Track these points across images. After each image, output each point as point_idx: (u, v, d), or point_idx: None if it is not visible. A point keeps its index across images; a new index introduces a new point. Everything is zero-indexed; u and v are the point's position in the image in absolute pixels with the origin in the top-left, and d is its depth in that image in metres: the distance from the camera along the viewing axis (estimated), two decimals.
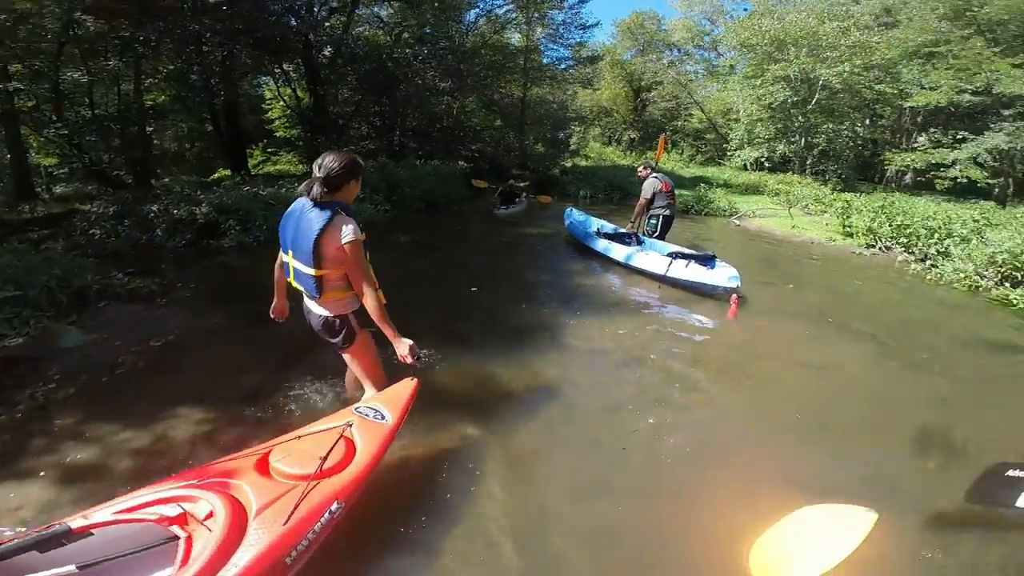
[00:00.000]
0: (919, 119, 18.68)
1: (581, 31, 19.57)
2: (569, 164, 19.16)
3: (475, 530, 2.13)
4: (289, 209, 2.20)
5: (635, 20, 30.27)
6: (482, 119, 18.21)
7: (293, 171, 15.54)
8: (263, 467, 1.84)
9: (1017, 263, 6.34)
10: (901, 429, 3.05)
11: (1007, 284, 6.31)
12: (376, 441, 2.01)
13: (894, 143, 19.78)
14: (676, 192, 6.97)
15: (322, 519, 1.69)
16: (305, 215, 2.09)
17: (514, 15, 18.08)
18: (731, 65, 24.04)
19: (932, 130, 17.21)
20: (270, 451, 1.90)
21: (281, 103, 16.09)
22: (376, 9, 16.19)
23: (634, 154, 25.59)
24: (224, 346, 3.84)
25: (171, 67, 11.73)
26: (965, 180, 15.24)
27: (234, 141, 14.05)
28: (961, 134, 15.68)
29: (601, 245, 6.70)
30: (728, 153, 22.23)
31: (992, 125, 14.83)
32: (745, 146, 20.32)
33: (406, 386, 2.33)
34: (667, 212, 6.53)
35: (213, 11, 10.35)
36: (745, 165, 20.42)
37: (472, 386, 3.30)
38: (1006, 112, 14.75)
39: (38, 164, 14.06)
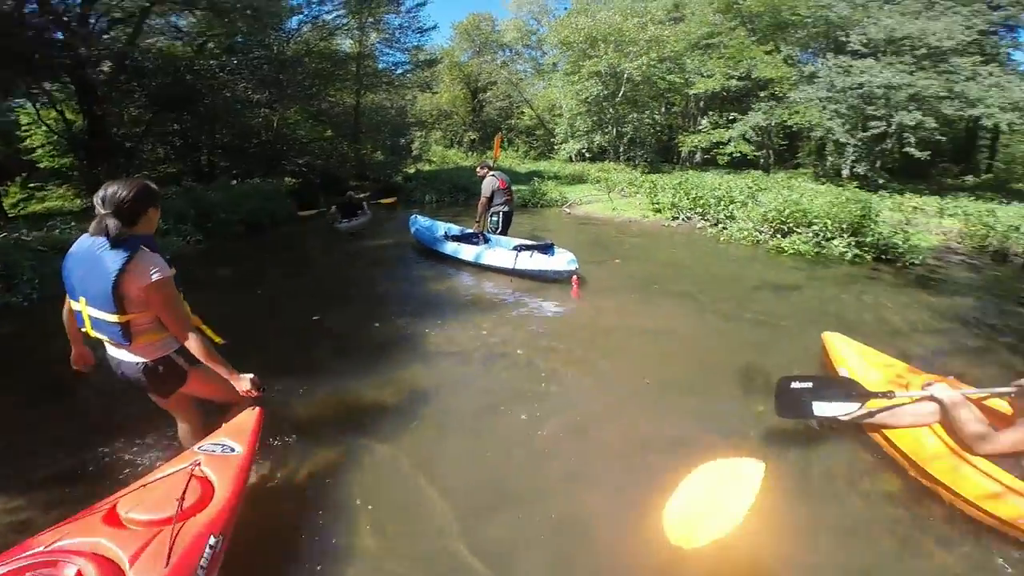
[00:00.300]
0: (701, 104, 21.73)
1: (419, 35, 19.45)
2: (412, 170, 19.01)
3: (373, 558, 2.08)
4: (72, 250, 1.89)
5: (471, 22, 30.90)
6: (309, 130, 17.03)
7: (69, 207, 12.92)
8: (114, 520, 1.70)
9: (782, 218, 7.96)
10: (730, 373, 3.56)
11: (778, 235, 7.90)
12: (232, 473, 1.94)
13: (684, 127, 22.88)
14: (513, 188, 7.41)
15: (204, 555, 1.64)
16: (97, 255, 1.79)
17: (344, 21, 17.17)
18: (554, 63, 25.50)
19: (711, 113, 20.27)
20: (115, 504, 1.75)
21: (44, 128, 13.16)
22: (174, 18, 13.90)
23: (475, 155, 26.26)
24: (10, 427, 3.12)
25: None
26: (739, 154, 18.38)
27: None
28: (732, 115, 18.78)
29: (450, 248, 6.84)
30: (555, 147, 24.02)
31: (753, 106, 17.95)
32: (569, 139, 22.18)
33: (249, 416, 2.22)
34: (506, 208, 6.93)
35: None
36: (570, 157, 22.23)
37: (337, 412, 3.16)
38: (762, 94, 17.99)
39: None
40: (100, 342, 2.00)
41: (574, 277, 5.45)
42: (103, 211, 1.80)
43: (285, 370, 3.57)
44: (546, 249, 5.95)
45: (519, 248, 6.02)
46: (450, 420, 3.07)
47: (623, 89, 19.86)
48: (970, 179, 18.69)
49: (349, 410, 3.19)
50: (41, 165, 14.60)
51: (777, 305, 5.16)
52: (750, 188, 9.89)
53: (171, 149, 13.93)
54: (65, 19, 10.34)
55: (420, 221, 8.04)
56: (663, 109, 23.02)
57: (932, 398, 2.51)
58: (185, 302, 1.99)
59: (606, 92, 19.97)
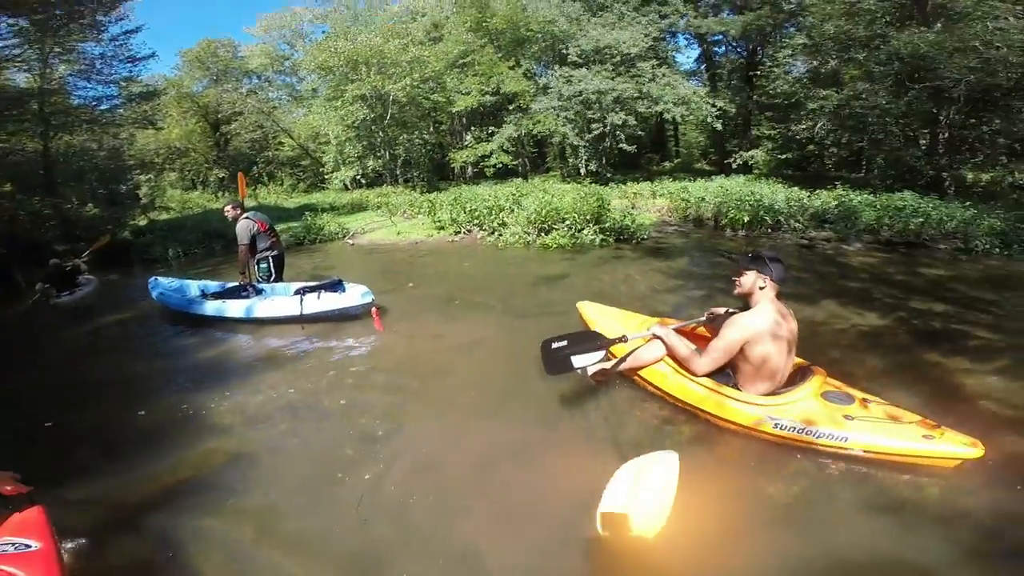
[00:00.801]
0: (464, 121, 23.07)
1: (130, 64, 16.11)
2: (144, 221, 15.82)
3: None
4: None
5: (206, 48, 26.99)
6: None
7: None
8: None
9: (542, 218, 9.01)
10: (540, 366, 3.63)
11: (543, 234, 8.89)
12: (41, 569, 1.78)
13: (453, 144, 24.10)
14: (283, 226, 6.67)
15: None
16: None
17: (19, 51, 13.33)
18: (313, 89, 24.33)
19: (474, 129, 21.72)
20: None
21: None
22: None
23: (226, 194, 23.29)
24: None
25: None
26: (502, 165, 20.08)
27: None
28: (491, 129, 20.46)
29: (211, 308, 5.82)
30: (326, 176, 22.88)
31: (506, 119, 19.83)
32: (340, 167, 21.30)
33: (32, 513, 2.03)
34: (275, 252, 6.16)
35: None
36: (345, 185, 21.43)
37: (135, 504, 2.60)
38: (511, 107, 19.95)
39: None
40: None
41: (373, 309, 5.19)
42: None
43: (45, 483, 2.53)
44: (335, 286, 5.50)
45: (303, 291, 5.41)
46: (279, 492, 2.64)
47: (390, 111, 19.91)
48: (667, 165, 24.05)
49: (147, 501, 2.63)
50: None
51: (554, 294, 5.78)
52: (514, 195, 10.90)
53: None
54: None
55: (163, 283, 6.62)
56: (432, 128, 23.74)
57: (654, 336, 3.15)
58: None
59: (373, 115, 19.75)
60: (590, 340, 3.32)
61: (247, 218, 5.91)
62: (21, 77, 14.84)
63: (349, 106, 19.42)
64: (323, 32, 25.94)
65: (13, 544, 1.88)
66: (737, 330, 2.77)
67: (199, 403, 3.76)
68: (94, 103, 16.16)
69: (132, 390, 4.30)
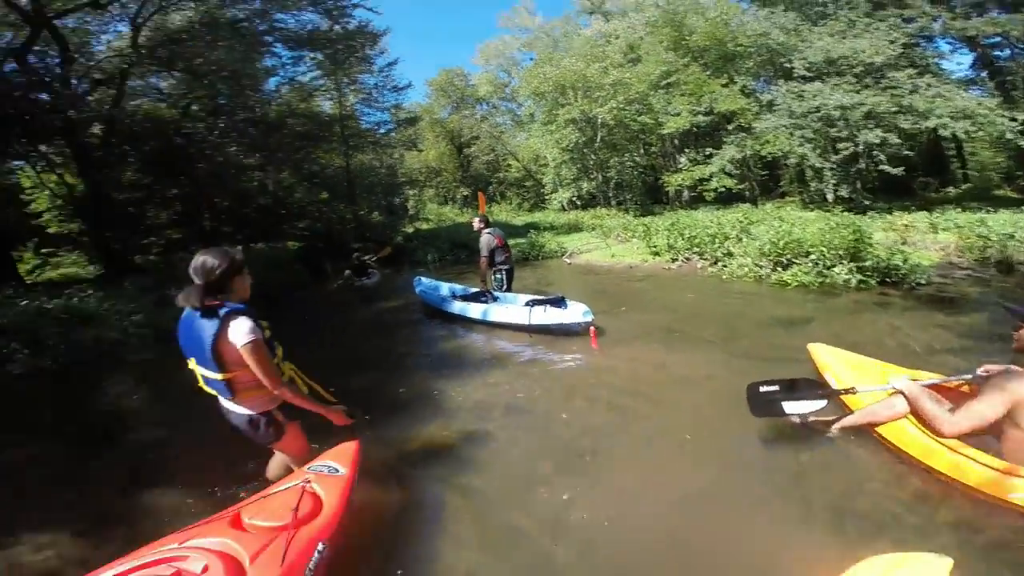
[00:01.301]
0: (676, 142, 22.13)
1: (395, 93, 19.89)
2: (411, 229, 19.31)
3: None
4: (182, 317, 2.17)
5: (444, 78, 31.67)
6: (305, 193, 17.21)
7: (84, 274, 13.07)
8: (237, 524, 1.98)
9: (778, 250, 8.00)
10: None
11: (779, 268, 7.89)
12: (338, 490, 2.24)
13: (666, 167, 23.25)
14: (511, 242, 7.54)
15: (313, 559, 1.88)
16: (196, 323, 2.07)
17: (321, 82, 17.69)
18: (531, 114, 26.12)
19: (688, 150, 20.58)
20: (239, 511, 2.04)
21: (46, 192, 13.31)
22: (154, 80, 14.34)
23: (470, 211, 26.75)
24: (60, 474, 3.54)
25: None
26: (724, 189, 18.53)
27: None
28: (708, 150, 19.15)
29: (457, 307, 6.88)
30: (546, 197, 24.42)
31: (725, 140, 18.43)
32: (558, 188, 22.55)
33: (349, 445, 2.59)
34: (507, 265, 6.98)
35: None
36: (562, 206, 22.58)
37: (396, 458, 3.32)
38: (730, 126, 18.50)
39: None
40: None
41: (591, 328, 5.45)
42: (197, 281, 2.06)
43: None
44: (558, 302, 5.97)
45: (532, 303, 6.03)
46: (488, 484, 2.98)
47: (600, 134, 20.33)
48: (951, 191, 19.17)
49: (399, 457, 3.32)
50: (50, 230, 14.55)
51: (790, 338, 5.16)
52: (741, 222, 10.01)
53: (174, 214, 14.07)
54: (47, 80, 10.73)
55: (424, 282, 8.14)
56: (642, 150, 23.49)
57: (896, 390, 2.72)
58: (280, 354, 2.29)
59: (584, 138, 20.37)
60: (808, 387, 3.06)
61: (489, 233, 6.81)
62: (327, 105, 19.35)
63: (562, 130, 20.34)
64: (531, 59, 27.94)
65: (328, 467, 2.40)
66: (1006, 390, 2.28)
67: (440, 387, 4.51)
68: (375, 127, 20.26)
69: (394, 366, 5.39)
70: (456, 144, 32.17)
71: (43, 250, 14.96)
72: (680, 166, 20.95)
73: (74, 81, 11.38)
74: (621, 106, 19.29)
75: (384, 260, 11.80)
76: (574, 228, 17.23)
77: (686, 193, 21.98)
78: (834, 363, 3.66)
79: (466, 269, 11.76)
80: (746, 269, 8.34)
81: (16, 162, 13.19)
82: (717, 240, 9.44)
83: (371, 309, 8.72)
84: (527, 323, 5.83)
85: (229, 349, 2.04)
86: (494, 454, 3.32)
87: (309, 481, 2.23)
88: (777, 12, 17.40)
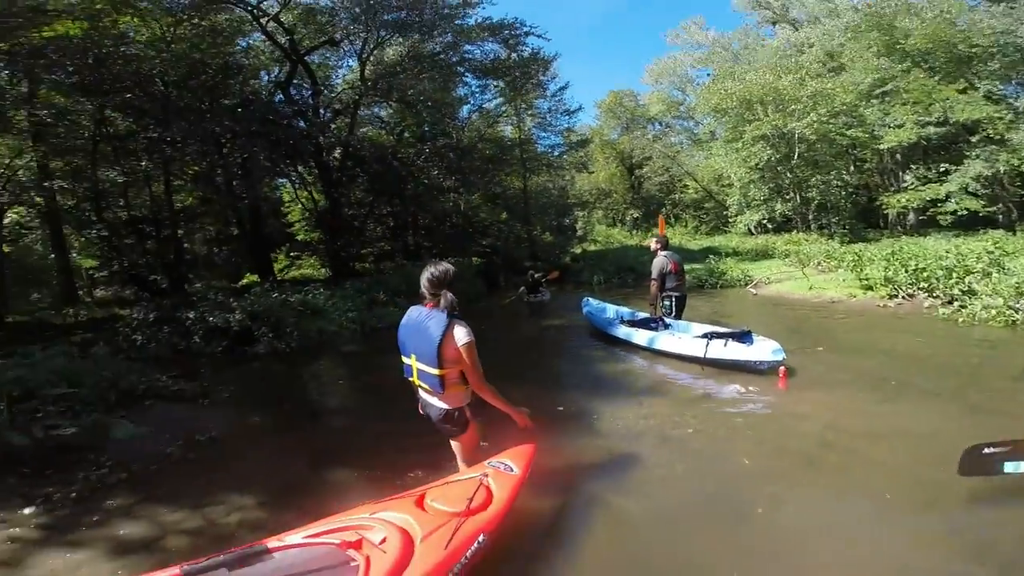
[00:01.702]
0: (898, 158, 18.85)
1: (567, 117, 20.66)
2: (579, 250, 19.72)
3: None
4: (405, 318, 2.61)
5: (613, 99, 32.02)
6: (488, 213, 18.72)
7: (316, 275, 15.95)
8: (420, 505, 2.26)
9: None
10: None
11: None
12: (508, 488, 2.43)
13: (884, 186, 19.99)
14: (686, 267, 7.11)
15: (472, 548, 2.06)
16: (424, 323, 2.46)
17: (503, 108, 19.18)
18: (711, 131, 24.90)
19: (915, 167, 17.29)
20: (424, 493, 2.33)
21: (299, 206, 16.66)
22: (376, 110, 17.30)
23: (639, 233, 26.28)
24: (266, 442, 4.22)
25: (196, 168, 12.45)
26: (966, 212, 15.11)
27: (259, 245, 14.64)
28: (943, 167, 15.83)
29: (623, 331, 6.72)
30: (730, 220, 22.60)
31: (967, 153, 15.07)
32: (745, 210, 20.71)
33: (526, 448, 2.81)
34: (678, 292, 6.54)
35: (229, 112, 11.39)
36: (749, 229, 20.74)
37: (563, 468, 3.37)
38: (974, 138, 15.09)
39: (79, 266, 14.81)
40: (409, 389, 2.74)
41: (782, 368, 4.87)
42: (429, 289, 2.48)
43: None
44: (743, 337, 5.36)
45: (710, 335, 5.48)
46: (641, 521, 2.80)
47: (797, 150, 18.30)
48: None
49: (558, 469, 3.31)
50: (299, 237, 18.59)
51: None
52: (991, 253, 8.03)
53: (386, 229, 16.53)
54: (303, 109, 13.41)
55: (592, 303, 8.18)
56: (852, 167, 20.43)
57: None
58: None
59: (778, 156, 18.55)
60: None
61: (664, 255, 6.48)
62: (508, 129, 20.93)
63: (750, 147, 18.75)
64: (707, 75, 26.10)
65: (505, 464, 2.61)
66: None
67: (599, 409, 4.41)
68: (550, 150, 21.29)
69: (554, 382, 5.53)
70: (627, 165, 32.01)
71: (292, 253, 19.13)
72: (904, 185, 17.69)
73: (321, 111, 14.29)
74: (824, 119, 17.19)
75: (552, 282, 12.27)
76: (762, 254, 15.69)
77: (912, 216, 18.44)
78: None
79: (632, 293, 11.56)
80: (994, 312, 6.63)
81: (280, 180, 16.99)
82: (955, 274, 7.69)
83: (538, 324, 9.13)
84: (702, 356, 5.36)
85: (451, 348, 2.38)
86: (652, 485, 3.17)
87: (487, 475, 2.47)
88: (1019, 6, 13.99)
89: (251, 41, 13.83)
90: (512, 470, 2.57)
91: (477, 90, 18.17)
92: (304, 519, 2.24)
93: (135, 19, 9.29)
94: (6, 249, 12.56)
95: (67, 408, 4.24)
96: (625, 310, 7.75)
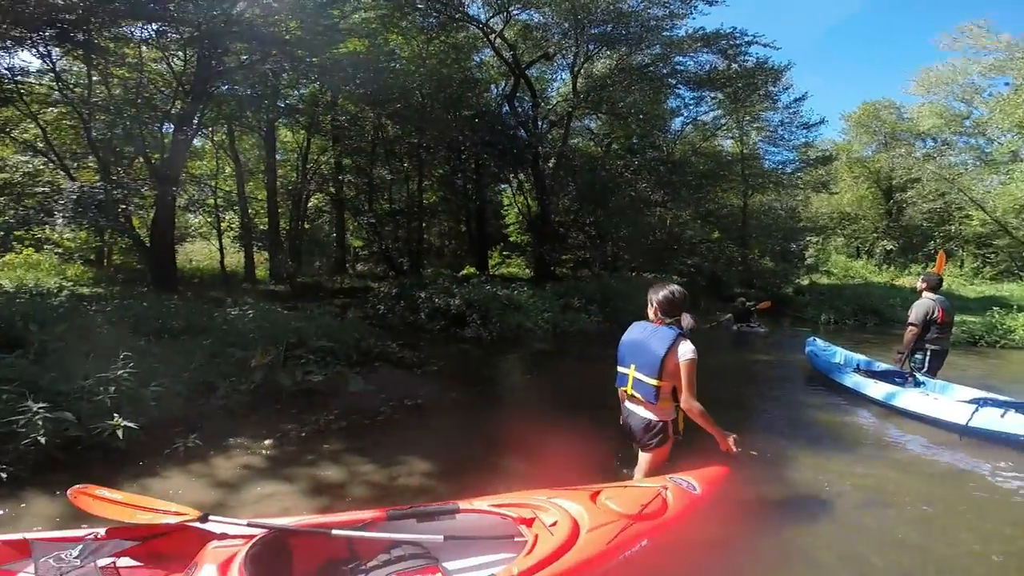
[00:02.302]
0: None
1: (804, 130, 18.42)
2: (805, 281, 17.17)
3: None
4: (629, 332, 2.77)
5: (867, 111, 27.22)
6: (697, 231, 17.76)
7: (520, 274, 17.08)
8: (594, 499, 2.34)
9: None
10: None
11: None
12: (684, 505, 2.43)
13: None
14: (956, 318, 5.54)
15: (633, 549, 2.12)
16: (651, 336, 2.60)
17: (723, 121, 18.00)
18: (1012, 151, 19.65)
19: None
20: (600, 491, 2.41)
21: (515, 210, 18.08)
22: (587, 122, 17.75)
23: (892, 268, 21.62)
24: (458, 416, 4.73)
25: (440, 171, 14.63)
26: None
27: (480, 242, 16.48)
28: None
29: (851, 381, 5.63)
30: None
31: None
32: None
33: (719, 470, 2.76)
34: (938, 346, 5.18)
35: (468, 122, 13.01)
36: None
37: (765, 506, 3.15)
38: None
39: (350, 244, 18.75)
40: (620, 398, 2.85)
41: None
42: (663, 308, 2.60)
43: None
44: None
45: (981, 401, 4.39)
46: None
47: None
48: None
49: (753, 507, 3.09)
50: (511, 239, 20.30)
51: None
52: None
53: (588, 238, 16.84)
54: (525, 120, 14.48)
55: (818, 344, 7.03)
56: None
57: None
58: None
59: None
60: None
61: (931, 299, 5.17)
62: (727, 143, 19.26)
63: None
64: (1006, 84, 19.87)
65: (687, 482, 2.58)
66: None
67: (802, 456, 3.83)
68: (779, 167, 18.93)
69: (754, 423, 4.86)
70: (883, 187, 26.55)
71: (504, 252, 20.99)
72: None
73: (539, 122, 15.35)
74: None
75: (761, 312, 10.88)
76: None
77: None
78: None
79: (870, 340, 9.52)
80: None
81: (503, 185, 18.75)
82: None
83: (743, 357, 8.19)
84: (965, 424, 4.26)
85: (672, 362, 2.49)
86: (846, 556, 2.61)
87: (666, 488, 2.49)
88: None
89: (483, 57, 15.54)
90: (695, 489, 2.55)
91: (691, 102, 17.33)
92: (467, 494, 2.42)
93: (399, 37, 11.47)
94: (306, 226, 16.69)
95: (322, 359, 5.28)
96: (861, 357, 6.47)
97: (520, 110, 15.46)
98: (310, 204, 15.94)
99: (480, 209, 16.01)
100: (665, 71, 15.07)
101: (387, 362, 6.03)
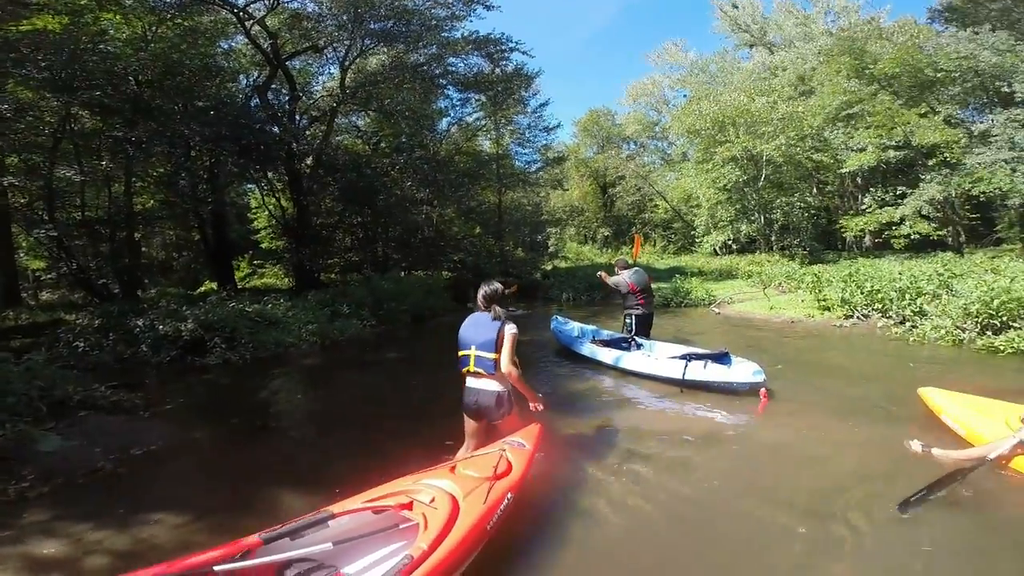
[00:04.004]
0: (859, 181, 19.46)
1: (545, 133, 20.82)
2: (549, 267, 19.73)
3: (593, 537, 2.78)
4: (468, 320, 3.30)
5: (591, 118, 32.30)
6: (461, 227, 18.51)
7: (279, 285, 15.53)
8: (453, 473, 2.65)
9: (991, 310, 6.54)
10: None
11: (988, 332, 6.47)
12: (524, 459, 2.94)
13: (844, 208, 20.58)
14: (653, 287, 7.06)
15: (504, 503, 2.52)
16: (485, 321, 3.21)
17: (483, 122, 19.24)
18: (683, 152, 25.16)
19: (873, 190, 17.68)
20: (454, 465, 2.76)
21: (266, 212, 16.06)
22: (353, 119, 17.15)
23: (610, 251, 26.47)
24: (208, 458, 4.09)
25: (160, 170, 11.95)
26: (918, 235, 15.61)
27: (221, 252, 14.17)
28: (900, 190, 16.30)
29: (587, 350, 6.61)
30: (696, 240, 22.95)
31: (923, 177, 15.56)
32: (711, 230, 21.04)
33: (534, 427, 3.34)
34: (639, 311, 6.46)
35: (202, 115, 11.01)
36: (714, 250, 21.09)
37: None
38: (931, 162, 15.59)
39: (26, 267, 14.13)
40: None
41: (763, 390, 4.82)
42: (484, 301, 3.25)
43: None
44: (721, 358, 5.35)
45: (689, 357, 5.37)
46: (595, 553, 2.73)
47: (764, 172, 18.75)
48: None
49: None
50: (263, 245, 17.99)
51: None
52: (941, 276, 8.31)
53: (355, 239, 16.15)
54: (279, 115, 13.10)
55: (560, 320, 7.97)
56: (815, 190, 21.06)
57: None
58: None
59: (746, 177, 18.92)
60: (950, 480, 2.98)
61: (624, 275, 6.44)
62: (486, 144, 20.81)
63: (720, 168, 19.03)
64: (684, 97, 26.64)
65: (519, 442, 3.11)
66: None
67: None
68: (526, 166, 21.28)
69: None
70: (600, 183, 32.35)
71: (255, 261, 18.53)
72: (863, 208, 18.29)
73: (297, 117, 14.00)
74: (792, 142, 17.61)
75: (514, 295, 12.13)
76: (726, 275, 15.98)
77: (868, 239, 19.11)
78: (950, 406, 3.81)
79: (599, 311, 11.54)
80: (943, 331, 6.89)
81: (249, 185, 16.49)
82: (908, 296, 7.96)
83: None
84: (680, 378, 5.22)
85: (502, 338, 3.10)
86: (613, 505, 3.10)
87: (504, 450, 2.95)
88: (984, 32, 14.80)
89: (233, 44, 13.54)
90: (524, 445, 3.08)
91: (458, 103, 18.24)
92: (231, 537, 2.13)
93: (117, 16, 8.95)
94: None
95: None
96: (602, 331, 7.49)
97: (276, 103, 13.82)
98: None
99: (217, 214, 13.69)
100: (438, 71, 15.36)
101: (96, 409, 4.78)
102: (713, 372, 5.14)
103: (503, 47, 15.49)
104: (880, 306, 8.31)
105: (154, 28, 10.04)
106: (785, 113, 17.63)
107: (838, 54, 18.13)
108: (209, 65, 11.68)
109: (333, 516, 2.22)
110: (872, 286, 8.64)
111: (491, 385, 3.17)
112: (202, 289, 14.09)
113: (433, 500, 2.34)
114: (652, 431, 4.29)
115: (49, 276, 14.14)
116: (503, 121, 19.70)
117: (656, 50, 30.39)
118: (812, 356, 6.87)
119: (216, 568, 1.84)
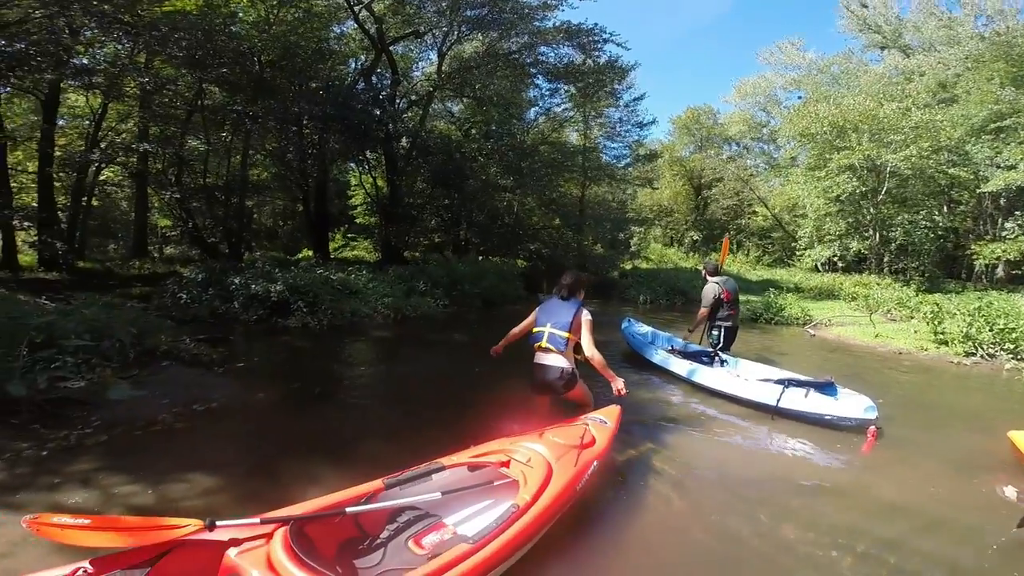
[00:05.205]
0: (1002, 202, 17.00)
1: (638, 129, 19.98)
2: (629, 266, 19.10)
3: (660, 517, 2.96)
4: (546, 301, 3.74)
5: (691, 116, 30.76)
6: (540, 217, 18.41)
7: (367, 258, 16.29)
8: (543, 439, 2.86)
9: None
10: None
11: None
12: (606, 435, 3.18)
13: (978, 232, 18.07)
14: (742, 299, 6.56)
15: (591, 469, 2.79)
16: (563, 304, 3.63)
17: (571, 113, 18.87)
18: (792, 157, 23.53)
19: (1019, 213, 15.47)
20: (543, 431, 2.98)
21: (363, 190, 17.09)
22: (448, 104, 17.73)
23: (696, 256, 25.17)
24: (261, 420, 4.12)
25: (274, 145, 13.20)
26: None
27: (320, 223, 15.18)
28: None
29: (659, 358, 6.16)
30: (797, 253, 21.11)
31: None
32: (815, 244, 19.17)
33: (615, 408, 3.58)
34: (729, 323, 6.04)
35: (313, 95, 11.94)
36: (816, 266, 19.38)
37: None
38: None
39: (156, 224, 16.17)
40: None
41: (872, 428, 4.24)
42: (566, 289, 3.67)
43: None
44: (826, 387, 4.76)
45: (787, 382, 4.79)
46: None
47: (886, 185, 16.79)
48: None
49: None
50: (358, 220, 19.28)
51: None
52: None
53: (441, 221, 16.62)
54: (381, 98, 13.76)
55: (633, 324, 7.54)
56: (944, 209, 18.53)
57: None
58: None
59: (864, 189, 17.01)
60: None
61: (715, 283, 6.02)
62: (573, 136, 20.43)
63: (834, 177, 17.28)
64: (798, 98, 24.56)
65: (601, 419, 3.36)
66: None
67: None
68: (615, 160, 20.63)
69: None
70: (694, 184, 30.70)
71: (348, 235, 19.74)
72: (1003, 233, 15.89)
73: (396, 100, 14.61)
74: (925, 154, 15.50)
75: (595, 287, 11.84)
76: (827, 294, 14.57)
77: (1001, 269, 16.58)
78: None
79: (678, 318, 10.93)
80: None
81: (350, 164, 17.51)
82: None
83: None
84: (775, 405, 4.63)
85: (579, 321, 3.49)
86: (661, 527, 2.85)
87: (588, 424, 3.19)
88: None
89: (344, 28, 14.34)
90: (606, 423, 3.33)
91: (547, 93, 18.04)
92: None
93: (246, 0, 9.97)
94: (94, 203, 13.68)
95: (83, 361, 4.15)
96: (678, 340, 6.86)
97: (379, 86, 14.52)
98: (103, 178, 13.09)
99: (320, 188, 14.70)
100: (529, 60, 15.32)
101: (178, 360, 5.07)
102: (816, 402, 4.55)
103: (596, 38, 15.00)
104: (1012, 346, 7.15)
105: (276, 11, 10.88)
106: (920, 121, 15.57)
107: (991, 60, 15.94)
108: (322, 48, 12.60)
109: (443, 468, 2.47)
110: (1005, 323, 7.45)
111: (558, 361, 3.49)
112: (299, 256, 15.13)
113: (529, 460, 2.61)
114: (730, 459, 3.83)
115: (173, 233, 16.00)
116: (592, 113, 19.11)
117: (769, 48, 28.16)
118: (921, 393, 6.03)
119: (348, 510, 2.05)
